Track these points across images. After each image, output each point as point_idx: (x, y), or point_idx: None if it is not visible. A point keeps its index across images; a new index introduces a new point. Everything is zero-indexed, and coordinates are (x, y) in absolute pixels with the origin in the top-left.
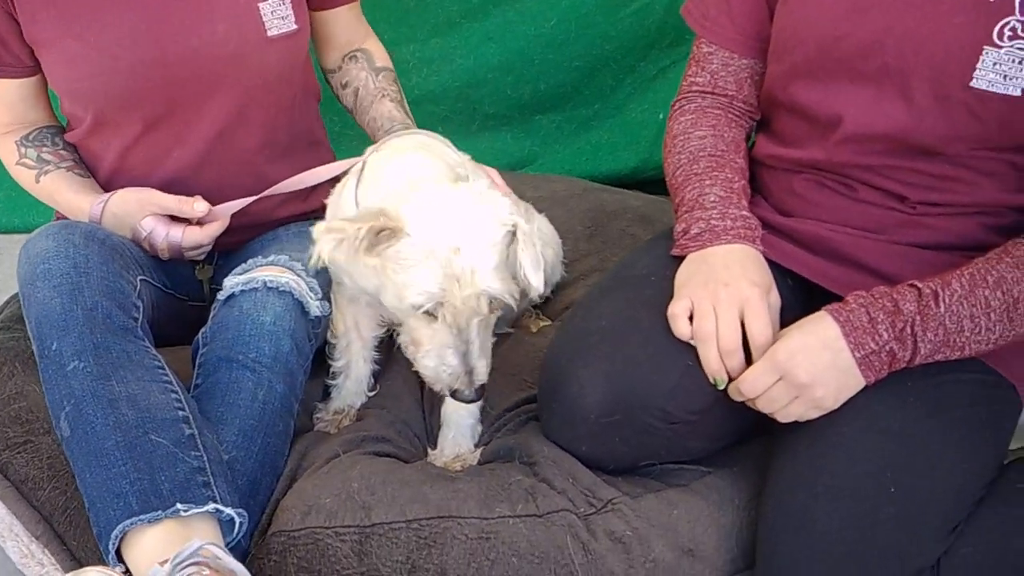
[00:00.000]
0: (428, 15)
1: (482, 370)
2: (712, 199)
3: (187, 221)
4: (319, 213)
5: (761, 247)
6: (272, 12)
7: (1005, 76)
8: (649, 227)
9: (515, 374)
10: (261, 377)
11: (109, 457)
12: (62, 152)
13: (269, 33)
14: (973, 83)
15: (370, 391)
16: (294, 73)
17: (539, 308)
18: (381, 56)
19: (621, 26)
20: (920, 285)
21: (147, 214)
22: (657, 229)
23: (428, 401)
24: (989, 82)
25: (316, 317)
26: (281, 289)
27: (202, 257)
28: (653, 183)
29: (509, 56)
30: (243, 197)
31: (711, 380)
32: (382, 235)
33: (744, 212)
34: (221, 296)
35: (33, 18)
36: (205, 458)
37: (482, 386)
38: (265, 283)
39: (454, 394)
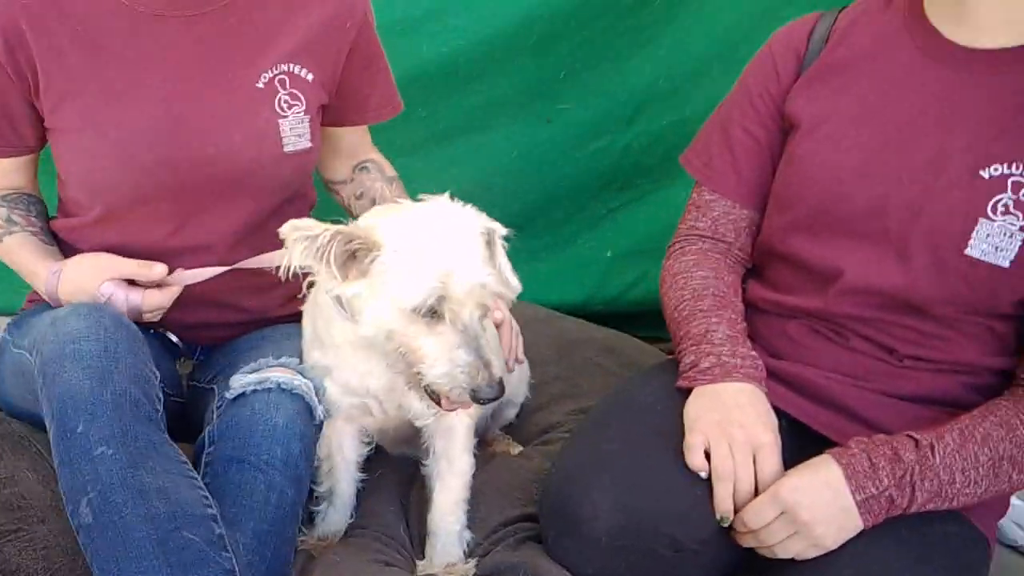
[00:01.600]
0: (396, 137)
1: (497, 364)
2: (720, 336)
3: (143, 284)
4: None
5: (766, 388)
6: (291, 129)
7: (996, 248)
8: (615, 358)
9: (506, 491)
10: (273, 480)
11: (140, 549)
12: (32, 219)
13: (285, 149)
14: (968, 251)
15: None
16: (301, 186)
17: (509, 432)
18: (388, 166)
19: (577, 166)
20: (917, 436)
21: (105, 279)
22: (623, 360)
23: (412, 512)
24: (982, 252)
25: (318, 423)
26: (294, 392)
27: (156, 319)
28: (598, 316)
29: (469, 181)
30: (234, 294)
31: (718, 517)
32: (358, 252)
33: (752, 352)
34: (230, 395)
35: (58, 105)
36: (234, 560)
37: (501, 381)
38: (279, 384)
39: (475, 394)
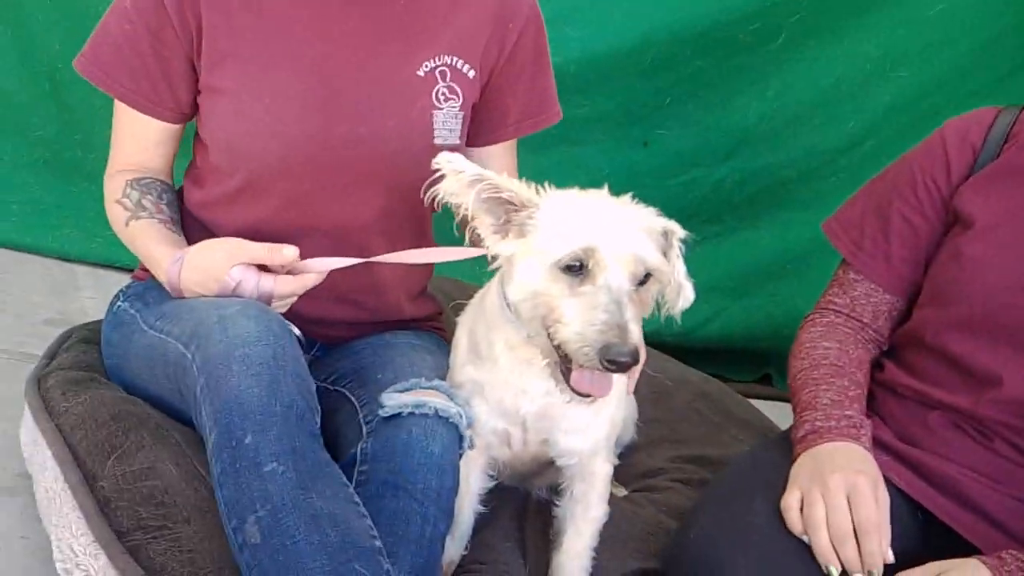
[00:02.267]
0: None
1: (637, 332)
2: (824, 402)
3: (274, 271)
4: (437, 320)
5: (867, 444)
6: (443, 123)
7: None
8: (711, 405)
9: (624, 540)
10: (428, 512)
11: None
12: (163, 207)
13: (435, 141)
14: None
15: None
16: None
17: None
18: None
19: (667, 192)
20: None
21: (234, 263)
22: (719, 408)
23: (529, 549)
24: None
25: (462, 453)
26: (450, 420)
27: (285, 309)
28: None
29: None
30: (355, 290)
31: (824, 570)
32: (514, 214)
33: (849, 412)
34: (384, 413)
35: (218, 64)
36: None
37: (637, 351)
38: (437, 411)
39: (606, 352)
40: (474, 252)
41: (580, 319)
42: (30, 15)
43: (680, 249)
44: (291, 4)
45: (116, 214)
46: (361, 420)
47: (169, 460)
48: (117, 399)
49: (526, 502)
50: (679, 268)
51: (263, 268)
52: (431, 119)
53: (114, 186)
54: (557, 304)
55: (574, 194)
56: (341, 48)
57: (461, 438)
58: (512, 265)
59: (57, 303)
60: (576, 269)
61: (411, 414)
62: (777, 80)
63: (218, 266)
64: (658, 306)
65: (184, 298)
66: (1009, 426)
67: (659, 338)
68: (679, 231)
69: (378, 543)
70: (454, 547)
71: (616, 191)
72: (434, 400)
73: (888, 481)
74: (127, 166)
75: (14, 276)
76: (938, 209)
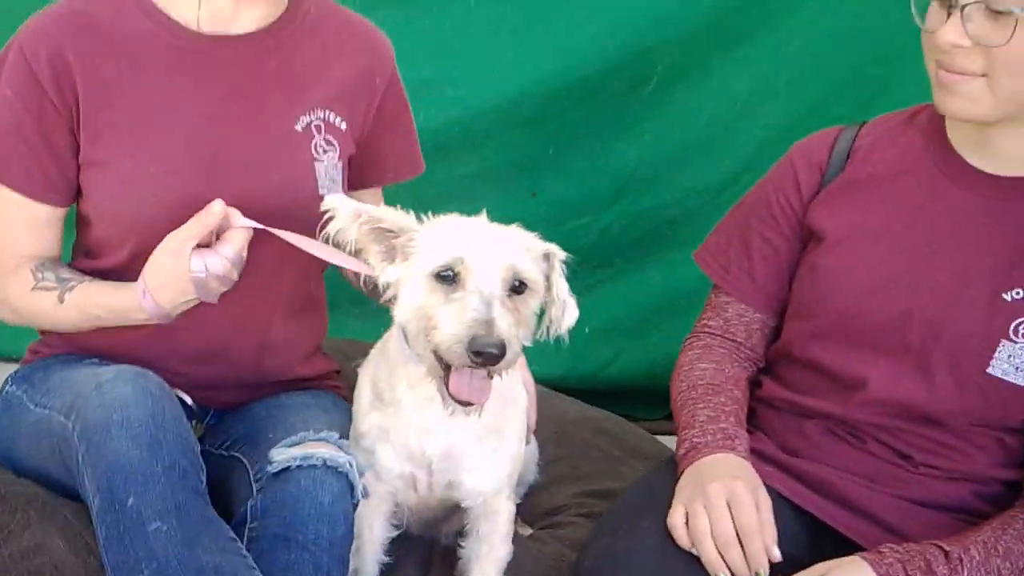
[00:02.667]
0: (386, 201)
1: (504, 327)
2: (701, 419)
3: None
4: (334, 378)
5: (743, 452)
6: (325, 173)
7: (1017, 368)
8: (612, 441)
9: None
10: (320, 561)
11: None
12: (77, 272)
13: (320, 191)
14: (990, 371)
15: None
16: None
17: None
18: None
19: (558, 241)
20: (947, 548)
21: (185, 258)
22: (619, 443)
23: None
24: (1003, 371)
25: (356, 502)
26: (340, 470)
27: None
28: (574, 392)
29: None
30: (250, 352)
31: None
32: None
33: (724, 425)
34: (271, 469)
35: (98, 136)
36: None
37: (503, 344)
38: (325, 461)
39: (472, 344)
40: (369, 270)
41: (452, 321)
42: None
43: (561, 269)
44: (167, 71)
45: (40, 301)
46: (251, 479)
47: (57, 535)
48: (3, 480)
49: (431, 550)
50: (562, 287)
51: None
52: (313, 171)
53: (21, 280)
54: (434, 312)
55: (452, 217)
56: (219, 109)
57: (352, 487)
58: (399, 288)
59: None
60: (449, 278)
61: (299, 467)
62: (653, 124)
63: (176, 272)
64: (546, 327)
65: (171, 320)
66: (879, 426)
67: (564, 383)
68: (559, 253)
69: None
70: None
71: None
72: (322, 451)
73: (773, 490)
74: (22, 259)
75: None
76: (794, 226)
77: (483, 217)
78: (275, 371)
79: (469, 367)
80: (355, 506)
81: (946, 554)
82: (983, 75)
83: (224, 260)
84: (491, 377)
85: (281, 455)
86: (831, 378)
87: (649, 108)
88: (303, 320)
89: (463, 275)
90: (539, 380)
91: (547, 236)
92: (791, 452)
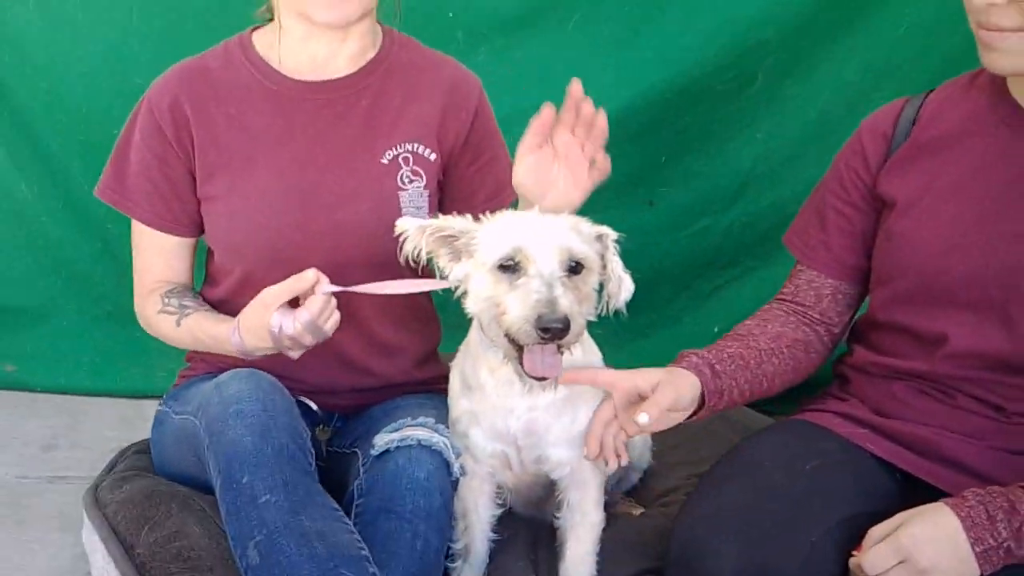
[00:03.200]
0: None
1: (566, 304)
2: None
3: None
4: (445, 383)
5: (685, 364)
6: (410, 201)
7: None
8: (729, 425)
9: (630, 547)
10: (418, 529)
11: None
12: (202, 302)
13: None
14: None
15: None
16: None
17: (631, 495)
18: None
19: (681, 245)
20: None
21: (271, 311)
22: (738, 427)
23: (542, 567)
24: None
25: (455, 479)
26: (433, 448)
27: (334, 328)
28: None
29: None
30: (363, 356)
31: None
32: (462, 243)
33: (688, 352)
34: (374, 452)
35: (211, 175)
36: None
37: (567, 319)
38: (419, 441)
39: (538, 322)
40: (443, 284)
41: (518, 304)
42: (78, 184)
43: (615, 248)
44: (269, 114)
45: (164, 323)
46: (359, 465)
47: (194, 523)
48: (152, 483)
49: (539, 529)
50: (616, 264)
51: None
52: (398, 199)
53: (151, 304)
54: (502, 300)
55: (507, 213)
56: (313, 148)
57: (448, 464)
58: (468, 283)
59: (126, 433)
60: (511, 268)
61: (397, 447)
62: (765, 121)
63: (261, 322)
64: (605, 302)
65: (254, 358)
66: (966, 379)
67: None
68: (611, 233)
69: (364, 552)
70: (472, 572)
71: (628, 250)
72: (417, 433)
73: (866, 451)
74: (155, 285)
75: (87, 416)
76: (865, 196)
77: (535, 210)
78: (389, 377)
79: (539, 344)
80: (455, 483)
81: None
82: (1021, 30)
83: (297, 324)
84: (561, 352)
85: (382, 439)
86: (915, 337)
87: (758, 106)
88: (413, 328)
89: (523, 263)
90: None
91: (668, 242)
92: (885, 415)
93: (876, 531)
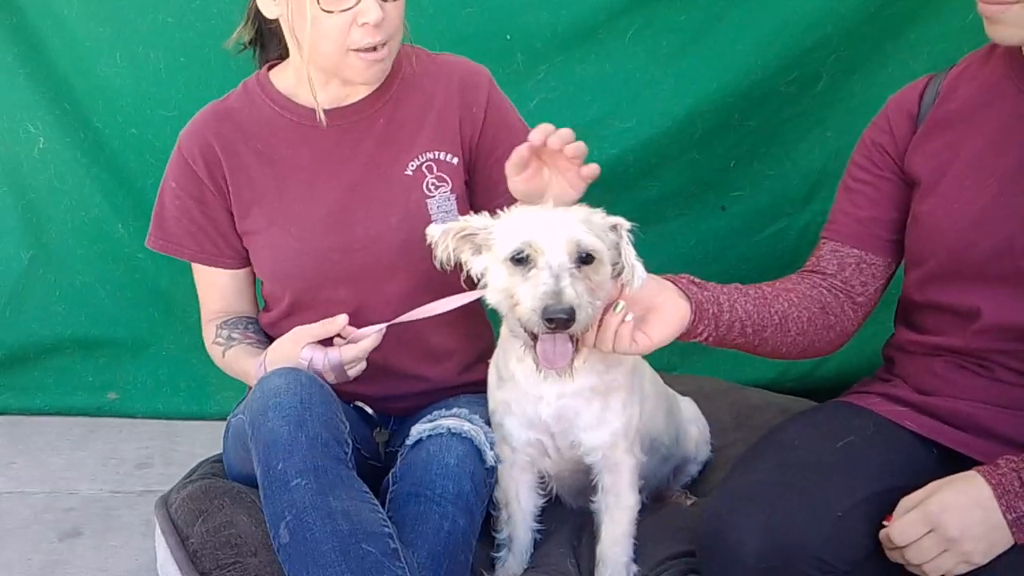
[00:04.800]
0: None
1: (570, 293)
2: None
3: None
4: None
5: (682, 284)
6: (438, 207)
7: None
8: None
9: (673, 531)
10: (446, 511)
11: (325, 559)
12: (250, 334)
13: (435, 223)
14: None
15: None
16: None
17: (690, 488)
18: None
19: (757, 248)
20: None
21: (300, 348)
22: None
23: (582, 552)
24: None
25: (490, 467)
26: (463, 436)
27: (358, 373)
28: (792, 392)
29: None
30: (414, 364)
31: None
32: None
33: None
34: (409, 442)
35: (247, 211)
36: (406, 569)
37: (572, 309)
38: (449, 429)
39: (544, 313)
40: (473, 295)
41: (528, 295)
42: None
43: (628, 238)
44: (294, 145)
45: (215, 353)
46: (398, 456)
47: (243, 514)
48: (212, 482)
49: (586, 518)
50: (629, 253)
51: (328, 344)
52: (426, 207)
53: (208, 333)
54: (515, 291)
55: (521, 208)
56: (340, 171)
57: (480, 451)
58: (487, 276)
59: (217, 451)
60: (523, 260)
61: (429, 436)
62: (833, 119)
63: (289, 354)
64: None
65: None
66: (1002, 352)
67: (780, 385)
68: (625, 223)
69: (387, 529)
70: (515, 561)
71: (703, 256)
72: (448, 422)
73: (904, 428)
74: (215, 315)
75: (182, 437)
76: (893, 168)
77: (549, 204)
78: (441, 380)
79: (548, 333)
80: (490, 471)
81: None
82: (1020, 1)
83: (326, 360)
84: (574, 341)
85: (416, 430)
86: (951, 313)
87: (825, 105)
88: (461, 332)
89: (534, 255)
90: (752, 383)
91: (744, 246)
92: (925, 392)
93: (907, 500)
